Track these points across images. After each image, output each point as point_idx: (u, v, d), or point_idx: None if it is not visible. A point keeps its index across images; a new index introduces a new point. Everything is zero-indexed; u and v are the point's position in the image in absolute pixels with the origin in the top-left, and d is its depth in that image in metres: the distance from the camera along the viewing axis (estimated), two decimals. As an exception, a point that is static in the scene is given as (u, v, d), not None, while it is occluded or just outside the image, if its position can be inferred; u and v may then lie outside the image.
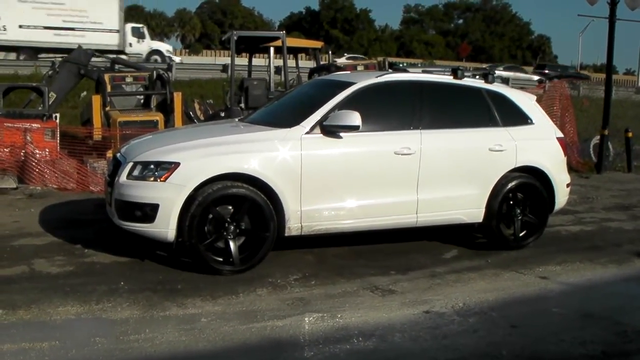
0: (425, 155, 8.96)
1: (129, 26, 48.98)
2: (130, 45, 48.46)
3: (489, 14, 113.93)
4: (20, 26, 41.68)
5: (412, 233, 9.66)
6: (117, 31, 44.48)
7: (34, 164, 13.02)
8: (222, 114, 16.76)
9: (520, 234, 9.77)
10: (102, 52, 20.43)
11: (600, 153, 18.72)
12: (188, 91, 23.48)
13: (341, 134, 8.51)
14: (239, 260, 8.06)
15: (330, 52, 23.74)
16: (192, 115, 18.52)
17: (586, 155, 19.46)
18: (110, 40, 43.54)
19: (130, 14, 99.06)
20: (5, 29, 41.42)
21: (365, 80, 9.20)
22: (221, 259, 8.07)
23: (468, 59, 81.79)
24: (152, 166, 8.04)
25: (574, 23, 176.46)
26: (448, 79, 9.77)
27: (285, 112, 9.53)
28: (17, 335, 6.13)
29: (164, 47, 56.00)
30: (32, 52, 40.95)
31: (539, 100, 11.26)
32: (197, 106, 20.28)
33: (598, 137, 19.25)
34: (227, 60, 39.40)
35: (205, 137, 8.71)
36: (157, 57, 49.94)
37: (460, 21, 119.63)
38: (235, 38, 16.65)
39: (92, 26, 43.42)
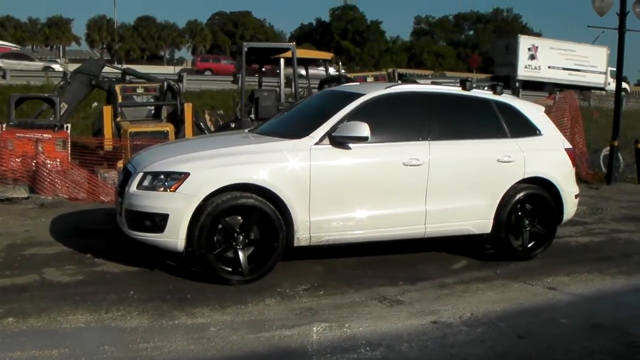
0: (433, 166, 8.99)
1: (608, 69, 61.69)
2: (609, 84, 58.84)
3: (499, 25, 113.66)
4: (549, 67, 59.67)
5: (421, 244, 9.65)
6: (604, 73, 61.74)
7: (45, 173, 13.11)
8: (233, 125, 16.83)
9: (529, 245, 9.77)
10: (588, 89, 21.20)
11: (610, 164, 18.71)
12: (198, 102, 23.59)
13: (350, 145, 8.54)
14: (248, 270, 8.10)
15: (340, 64, 23.71)
16: (203, 126, 18.65)
17: (596, 166, 19.45)
18: (597, 80, 61.59)
19: (142, 24, 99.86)
20: (539, 69, 59.58)
21: (374, 91, 9.24)
22: (230, 269, 8.10)
23: (479, 70, 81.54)
24: (162, 176, 8.09)
25: (585, 34, 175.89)
26: (456, 90, 9.80)
27: (294, 123, 9.58)
28: (27, 343, 6.18)
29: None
30: (552, 87, 53.13)
31: (548, 112, 11.28)
32: (207, 117, 20.40)
33: (608, 148, 19.23)
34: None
35: (215, 148, 8.76)
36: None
37: (471, 32, 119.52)
38: (245, 49, 16.71)
39: (590, 69, 61.65)
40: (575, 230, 12.01)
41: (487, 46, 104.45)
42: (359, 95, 9.10)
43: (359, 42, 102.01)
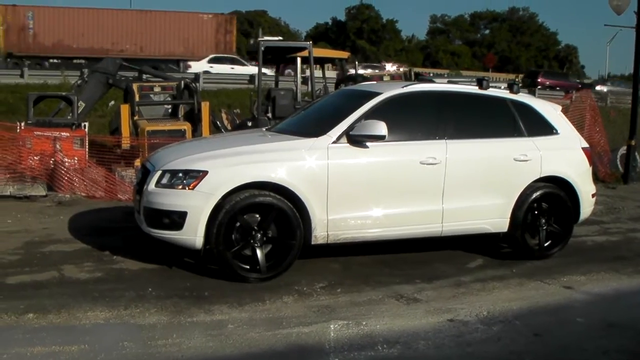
0: (450, 165, 9.00)
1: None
2: None
3: (515, 24, 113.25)
4: None
5: (437, 242, 9.70)
6: None
7: (63, 172, 13.18)
8: (249, 124, 16.84)
9: (545, 244, 9.77)
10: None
11: (627, 164, 18.62)
12: (215, 101, 23.65)
13: (367, 144, 8.57)
14: (266, 267, 8.15)
15: (356, 63, 23.69)
16: (220, 125, 18.65)
17: (613, 165, 19.36)
18: None
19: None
20: None
21: (391, 90, 9.27)
22: (248, 267, 8.16)
23: (494, 70, 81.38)
24: (180, 174, 8.15)
25: (602, 33, 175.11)
26: (473, 89, 9.81)
27: (312, 122, 9.63)
28: (47, 339, 6.25)
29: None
30: None
31: (565, 111, 11.26)
32: (224, 116, 20.40)
33: (625, 147, 19.15)
34: (253, 70, 39.63)
35: (233, 146, 8.83)
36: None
37: (487, 31, 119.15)
38: (262, 48, 16.73)
39: None
40: (592, 229, 11.99)
41: (502, 45, 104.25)
42: (376, 94, 9.13)
43: (374, 41, 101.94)
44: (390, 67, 46.54)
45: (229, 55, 51.04)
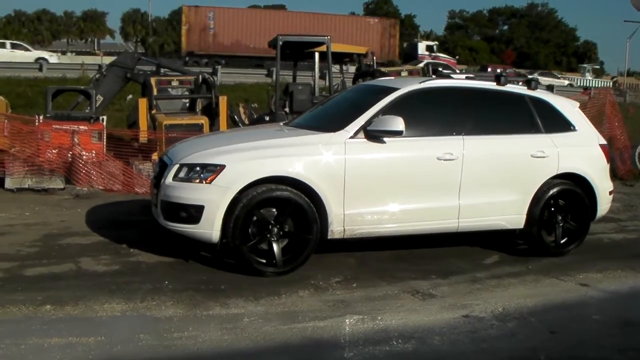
0: (467, 161, 9.00)
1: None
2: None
3: (534, 19, 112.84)
4: None
5: (452, 238, 9.69)
6: None
7: (80, 165, 13.23)
8: (267, 118, 16.84)
9: (562, 241, 9.74)
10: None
11: (644, 161, 18.51)
12: (232, 95, 23.64)
13: (385, 139, 8.57)
14: (282, 262, 8.16)
15: (375, 58, 23.60)
16: (237, 119, 18.67)
17: (630, 162, 19.25)
18: None
19: (176, 18, 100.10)
20: None
21: (409, 86, 9.26)
22: (264, 261, 8.18)
23: (514, 65, 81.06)
24: (198, 168, 8.18)
25: (622, 29, 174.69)
26: (491, 85, 9.79)
27: (329, 117, 9.65)
28: (64, 330, 6.31)
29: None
30: None
31: (583, 107, 11.21)
32: (241, 110, 20.41)
33: (643, 145, 19.04)
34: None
35: (250, 141, 8.85)
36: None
37: (505, 27, 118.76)
38: (280, 43, 16.72)
39: None
40: (609, 227, 11.94)
41: (521, 41, 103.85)
42: (394, 89, 9.12)
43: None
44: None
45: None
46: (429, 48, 61.96)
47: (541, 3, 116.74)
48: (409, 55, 59.50)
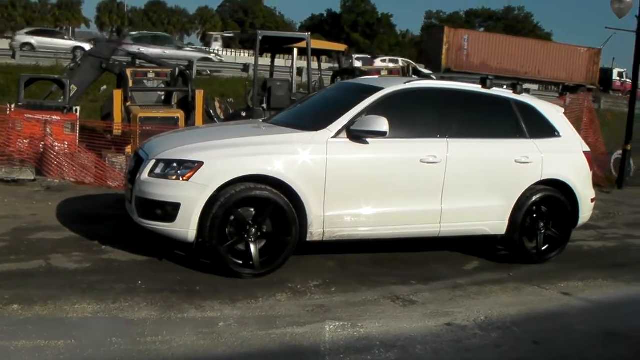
0: (451, 165, 8.84)
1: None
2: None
3: (510, 23, 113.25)
4: None
5: (433, 242, 9.51)
6: None
7: (52, 156, 12.99)
8: (244, 114, 16.67)
9: (543, 248, 9.64)
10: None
11: (621, 168, 18.53)
12: (208, 89, 23.38)
13: (368, 140, 8.38)
14: (260, 263, 7.95)
15: (353, 56, 23.53)
16: (213, 114, 18.47)
17: (607, 169, 19.25)
18: None
19: (152, 9, 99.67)
20: None
21: (393, 85, 9.07)
22: (241, 262, 7.94)
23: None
24: (175, 164, 7.93)
25: (596, 35, 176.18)
26: (477, 87, 9.64)
27: (311, 115, 9.44)
28: (33, 332, 6.04)
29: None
30: None
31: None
32: (217, 105, 20.24)
33: (619, 151, 19.06)
34: (248, 59, 39.57)
35: (229, 137, 8.62)
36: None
37: (482, 29, 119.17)
38: (260, 38, 16.53)
39: None
40: (588, 234, 11.87)
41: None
42: (378, 89, 8.93)
43: (369, 34, 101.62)
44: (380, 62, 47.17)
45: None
46: (620, 74, 68.66)
47: (518, 7, 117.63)
48: (604, 80, 66.65)
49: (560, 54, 64.78)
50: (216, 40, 67.31)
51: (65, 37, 50.85)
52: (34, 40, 45.73)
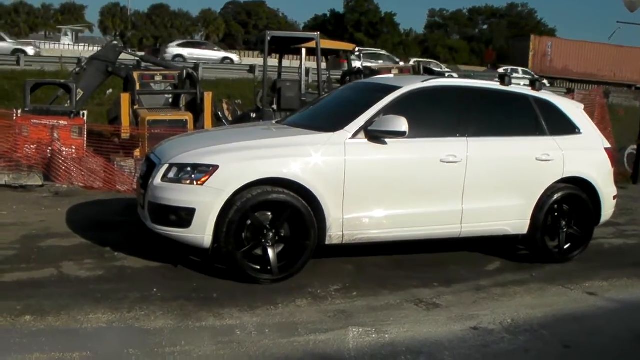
0: (471, 164, 8.62)
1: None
2: None
3: (514, 19, 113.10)
4: None
5: (450, 243, 9.29)
6: None
7: (60, 161, 12.84)
8: (253, 115, 16.48)
9: (565, 247, 9.43)
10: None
11: (636, 163, 18.33)
12: (214, 91, 23.22)
13: (386, 140, 8.16)
14: (278, 268, 7.73)
15: (362, 55, 23.33)
16: (221, 116, 18.27)
17: (620, 165, 19.04)
18: None
19: (155, 12, 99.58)
20: None
21: (411, 84, 8.85)
22: (259, 267, 7.73)
23: (493, 66, 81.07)
24: (189, 168, 7.71)
25: (601, 29, 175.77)
26: (495, 85, 9.45)
27: (327, 116, 9.23)
28: (46, 344, 5.82)
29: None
30: None
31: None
32: (225, 106, 20.04)
33: (633, 147, 18.87)
34: (252, 60, 39.40)
35: (244, 140, 8.37)
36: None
37: (485, 27, 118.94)
38: (269, 38, 16.32)
39: None
40: (608, 231, 11.64)
41: (501, 41, 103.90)
42: (395, 88, 8.71)
43: (372, 34, 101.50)
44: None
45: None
46: None
47: (521, 3, 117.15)
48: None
49: (632, 57, 68.69)
50: (66, 34, 68.07)
51: (215, 48, 56.04)
52: (186, 52, 49.87)
